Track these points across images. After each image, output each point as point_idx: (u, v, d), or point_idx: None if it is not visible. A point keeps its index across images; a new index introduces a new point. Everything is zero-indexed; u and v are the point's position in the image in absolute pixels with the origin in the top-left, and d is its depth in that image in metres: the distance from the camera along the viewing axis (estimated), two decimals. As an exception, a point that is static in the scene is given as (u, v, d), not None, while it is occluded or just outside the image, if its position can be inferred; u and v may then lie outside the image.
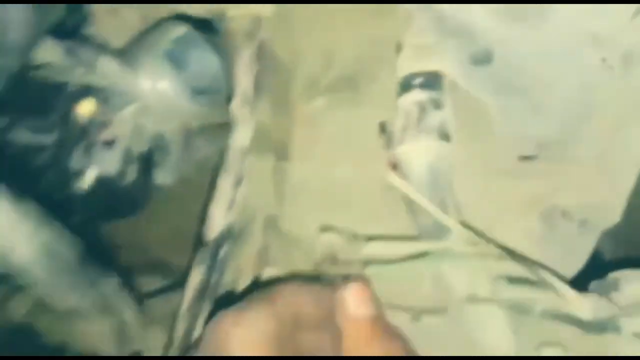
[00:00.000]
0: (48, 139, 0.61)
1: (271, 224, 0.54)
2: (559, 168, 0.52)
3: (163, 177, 0.72)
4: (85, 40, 0.62)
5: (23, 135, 0.60)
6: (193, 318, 0.51)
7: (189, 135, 0.75)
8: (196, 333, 0.49)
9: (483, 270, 0.48)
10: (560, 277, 0.47)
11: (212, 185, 0.58)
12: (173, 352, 0.51)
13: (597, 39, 0.40)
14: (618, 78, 0.43)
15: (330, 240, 0.50)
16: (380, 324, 0.41)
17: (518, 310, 0.47)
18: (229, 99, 0.62)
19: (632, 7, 0.40)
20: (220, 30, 0.67)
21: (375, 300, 0.42)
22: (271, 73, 0.64)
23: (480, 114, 0.49)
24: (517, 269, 0.47)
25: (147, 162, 0.68)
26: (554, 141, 0.52)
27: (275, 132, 0.63)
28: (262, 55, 0.64)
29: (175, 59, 0.66)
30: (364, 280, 0.41)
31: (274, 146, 0.60)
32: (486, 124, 0.50)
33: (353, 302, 0.41)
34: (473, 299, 0.48)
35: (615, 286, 0.48)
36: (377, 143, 0.53)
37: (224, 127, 0.69)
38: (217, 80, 0.69)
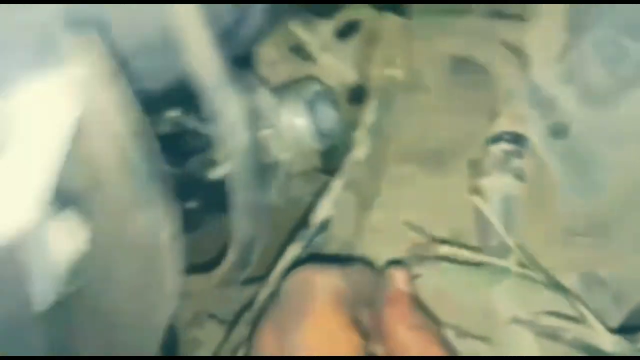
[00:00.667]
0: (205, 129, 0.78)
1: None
2: (603, 242, 0.63)
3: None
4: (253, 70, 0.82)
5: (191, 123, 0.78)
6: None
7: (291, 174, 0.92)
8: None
9: (530, 294, 0.58)
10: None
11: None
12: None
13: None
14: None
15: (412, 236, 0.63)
16: (416, 304, 0.51)
17: (549, 336, 0.56)
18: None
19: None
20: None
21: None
22: (375, 136, 0.81)
23: (549, 181, 0.63)
24: (558, 299, 0.57)
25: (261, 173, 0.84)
26: (603, 220, 0.64)
27: (365, 187, 0.79)
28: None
29: (311, 106, 0.86)
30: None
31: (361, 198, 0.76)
32: (552, 191, 0.64)
33: (400, 279, 0.52)
34: (515, 320, 0.58)
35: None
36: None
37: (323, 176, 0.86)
38: (335, 130, 0.87)
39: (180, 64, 0.48)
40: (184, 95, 0.58)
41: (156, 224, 0.42)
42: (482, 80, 0.74)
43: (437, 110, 0.81)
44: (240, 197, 0.51)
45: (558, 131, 0.59)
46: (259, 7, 0.58)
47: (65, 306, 0.39)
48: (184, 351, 0.90)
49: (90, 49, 0.37)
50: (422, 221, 0.66)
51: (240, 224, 0.53)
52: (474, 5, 0.86)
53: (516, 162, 0.59)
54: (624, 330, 0.60)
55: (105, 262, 0.42)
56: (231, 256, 0.57)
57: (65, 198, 0.37)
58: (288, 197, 0.89)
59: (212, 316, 0.84)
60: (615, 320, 0.63)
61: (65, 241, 0.36)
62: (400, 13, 0.84)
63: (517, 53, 0.62)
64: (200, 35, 0.45)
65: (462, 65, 0.83)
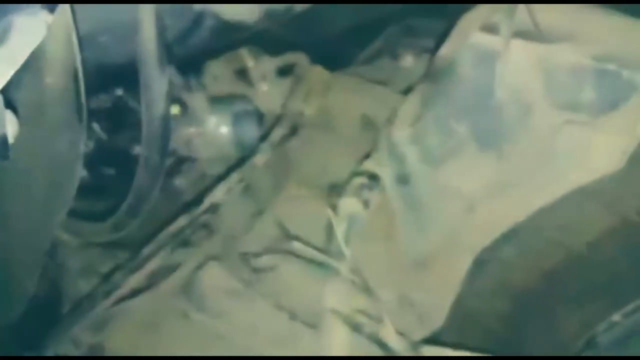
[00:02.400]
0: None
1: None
2: (420, 272, 0.81)
3: (179, 180, 1.02)
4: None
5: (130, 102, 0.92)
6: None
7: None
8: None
9: (350, 295, 0.75)
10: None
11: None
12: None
13: (459, 193, 0.75)
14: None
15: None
16: None
17: (354, 328, 0.72)
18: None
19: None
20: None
21: None
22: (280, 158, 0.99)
23: (391, 214, 0.81)
24: (368, 302, 0.74)
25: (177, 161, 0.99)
26: (423, 256, 0.82)
27: (264, 196, 0.96)
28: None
29: (238, 119, 1.02)
30: None
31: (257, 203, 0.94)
32: (392, 223, 0.82)
33: None
34: (334, 312, 0.74)
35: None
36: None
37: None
38: (251, 145, 1.04)
39: (132, 49, 0.64)
40: (131, 77, 0.73)
41: (72, 147, 0.56)
42: (372, 134, 0.94)
43: (339, 152, 1.00)
44: (147, 156, 0.65)
45: (402, 178, 0.77)
46: (208, 25, 0.75)
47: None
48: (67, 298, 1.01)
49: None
50: (288, 223, 0.83)
51: (140, 179, 0.67)
52: (392, 79, 1.08)
53: (366, 194, 0.77)
54: (425, 342, 0.77)
55: (22, 163, 0.55)
56: (125, 205, 0.71)
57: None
58: (196, 190, 1.04)
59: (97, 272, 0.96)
60: (419, 336, 0.80)
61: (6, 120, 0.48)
62: (328, 67, 1.04)
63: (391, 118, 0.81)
64: (150, 30, 0.60)
65: (367, 123, 1.04)
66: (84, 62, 0.74)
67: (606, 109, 0.65)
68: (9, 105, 0.51)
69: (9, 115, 0.48)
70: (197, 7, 0.70)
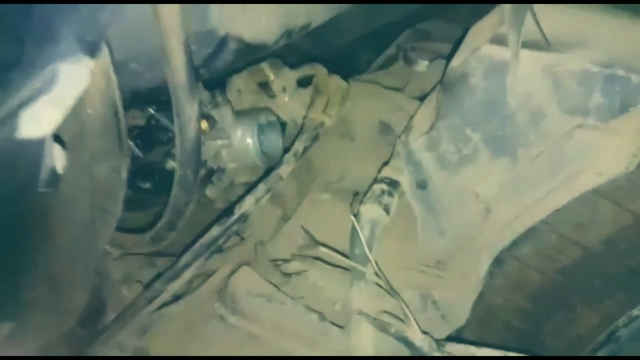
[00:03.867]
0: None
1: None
2: (440, 273, 0.84)
3: (210, 190, 1.07)
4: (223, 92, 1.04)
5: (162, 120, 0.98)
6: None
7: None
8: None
9: (375, 296, 0.79)
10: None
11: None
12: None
13: (477, 196, 0.78)
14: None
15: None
16: None
17: (380, 328, 0.76)
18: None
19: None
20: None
21: None
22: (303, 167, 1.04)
23: (412, 219, 0.85)
24: (393, 304, 0.78)
25: (207, 173, 1.04)
26: (442, 257, 0.85)
27: (289, 202, 1.01)
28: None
29: (262, 131, 1.07)
30: None
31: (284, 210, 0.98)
32: (412, 227, 0.85)
33: None
34: (361, 313, 0.78)
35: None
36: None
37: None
38: (276, 155, 1.09)
39: (163, 73, 0.69)
40: (162, 98, 0.78)
41: (113, 173, 0.61)
42: (390, 140, 0.98)
43: (358, 158, 1.04)
44: (182, 174, 0.71)
45: (421, 184, 0.81)
46: (231, 48, 0.80)
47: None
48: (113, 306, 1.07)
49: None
50: (314, 228, 0.87)
51: (176, 196, 0.73)
52: (407, 84, 1.12)
53: (387, 199, 0.81)
54: (450, 339, 0.81)
55: (67, 190, 0.60)
56: (163, 220, 0.76)
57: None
58: (226, 198, 1.10)
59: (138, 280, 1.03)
60: (442, 334, 0.84)
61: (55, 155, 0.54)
62: (345, 75, 1.08)
63: (407, 125, 0.85)
64: (180, 60, 0.65)
65: (385, 128, 1.07)
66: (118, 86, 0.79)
67: (615, 113, 0.67)
68: (57, 138, 0.56)
69: (57, 149, 0.54)
70: (221, 32, 0.74)
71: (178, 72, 0.64)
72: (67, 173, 0.58)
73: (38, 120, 0.46)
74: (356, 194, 0.89)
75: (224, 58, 0.81)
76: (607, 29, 0.70)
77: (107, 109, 0.59)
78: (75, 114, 0.56)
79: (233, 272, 0.92)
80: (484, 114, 0.72)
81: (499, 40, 0.68)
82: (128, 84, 0.77)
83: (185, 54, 0.66)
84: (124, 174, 0.61)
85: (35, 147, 0.49)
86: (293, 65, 1.14)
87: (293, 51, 1.12)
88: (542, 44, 0.67)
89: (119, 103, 0.60)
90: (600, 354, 0.88)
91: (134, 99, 0.92)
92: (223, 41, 0.75)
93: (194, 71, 0.68)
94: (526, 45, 0.67)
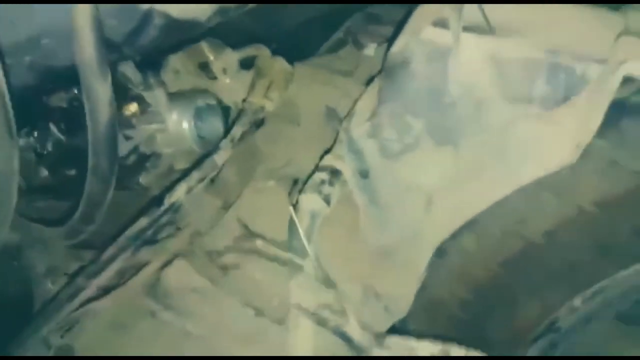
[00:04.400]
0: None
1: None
2: (384, 264, 0.82)
3: (144, 177, 1.01)
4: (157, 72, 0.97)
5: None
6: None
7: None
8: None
9: (314, 290, 0.75)
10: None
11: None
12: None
13: (419, 187, 0.75)
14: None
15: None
16: None
17: (319, 322, 0.73)
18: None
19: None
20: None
21: None
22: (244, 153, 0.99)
23: (354, 209, 0.81)
24: (331, 297, 0.74)
25: (140, 159, 0.97)
26: (385, 248, 0.83)
27: (230, 191, 0.96)
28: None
29: (200, 115, 1.01)
30: None
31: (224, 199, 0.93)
32: (355, 217, 0.82)
33: None
34: (299, 308, 0.74)
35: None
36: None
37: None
38: (216, 139, 1.03)
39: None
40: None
41: (6, 163, 0.54)
42: (336, 127, 0.94)
43: (304, 144, 1.00)
44: (95, 163, 0.64)
45: (363, 173, 0.77)
46: (157, 24, 0.73)
47: None
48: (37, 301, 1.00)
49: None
50: (253, 219, 0.83)
51: (90, 186, 0.66)
52: (356, 69, 1.07)
53: (327, 189, 0.77)
54: (392, 331, 0.79)
55: None
56: (78, 212, 0.70)
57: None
58: (163, 185, 1.03)
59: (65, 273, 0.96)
60: (385, 325, 0.81)
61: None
62: (291, 58, 1.03)
63: (349, 112, 0.81)
64: (88, 36, 0.58)
65: (332, 114, 1.03)
66: (31, 64, 0.72)
67: (559, 102, 0.65)
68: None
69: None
70: (144, 6, 0.68)
71: (86, 49, 0.58)
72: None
73: None
74: (295, 181, 0.85)
75: (149, 35, 0.74)
76: (550, 16, 0.68)
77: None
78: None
79: (166, 264, 0.87)
80: (426, 101, 0.68)
81: (442, 24, 0.65)
82: (41, 62, 0.70)
83: (94, 29, 0.59)
84: (16, 163, 0.55)
85: None
86: (235, 46, 1.08)
87: (235, 31, 1.06)
88: (485, 29, 0.64)
89: (3, 85, 0.53)
90: (540, 343, 0.88)
91: (52, 78, 0.85)
92: (147, 16, 0.69)
93: (109, 49, 0.62)
94: (469, 29, 0.64)
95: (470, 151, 0.69)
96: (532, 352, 0.90)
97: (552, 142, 0.66)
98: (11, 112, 0.53)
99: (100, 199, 0.66)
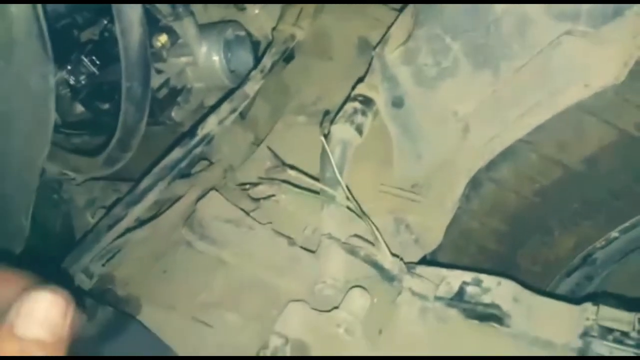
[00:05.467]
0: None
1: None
2: (415, 197, 0.81)
3: (176, 112, 1.01)
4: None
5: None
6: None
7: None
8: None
9: (345, 220, 0.75)
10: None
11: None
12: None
13: (455, 114, 0.73)
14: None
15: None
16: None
17: (349, 251, 0.73)
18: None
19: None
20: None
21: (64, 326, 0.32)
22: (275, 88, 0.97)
23: (387, 140, 0.80)
24: (364, 227, 0.74)
25: (171, 93, 0.97)
26: (418, 181, 0.81)
27: (261, 126, 0.95)
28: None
29: (230, 47, 0.99)
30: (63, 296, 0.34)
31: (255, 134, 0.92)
32: (388, 149, 0.81)
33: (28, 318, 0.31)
34: (329, 237, 0.74)
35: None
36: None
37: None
38: (246, 73, 1.02)
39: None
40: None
41: (43, 81, 0.55)
42: (368, 58, 0.91)
43: (337, 78, 0.97)
44: (129, 87, 0.64)
45: (396, 101, 0.75)
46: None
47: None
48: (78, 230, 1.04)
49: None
50: (285, 151, 0.82)
51: (126, 112, 0.66)
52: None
53: (360, 119, 0.76)
54: (421, 262, 0.78)
55: (4, 101, 0.54)
56: (115, 139, 0.70)
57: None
58: (195, 120, 1.03)
59: (103, 206, 0.98)
60: (415, 257, 0.81)
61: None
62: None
63: (384, 38, 0.78)
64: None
65: (363, 46, 1.00)
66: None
67: (608, 18, 0.61)
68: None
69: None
70: None
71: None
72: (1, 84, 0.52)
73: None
74: (327, 112, 0.83)
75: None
76: None
77: (28, 11, 0.52)
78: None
79: (201, 197, 0.88)
80: (467, 20, 0.65)
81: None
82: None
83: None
84: (52, 81, 0.55)
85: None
86: (264, -25, 1.04)
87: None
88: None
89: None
90: (574, 276, 0.87)
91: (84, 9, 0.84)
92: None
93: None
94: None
95: (511, 74, 0.66)
96: (566, 285, 0.89)
97: (598, 62, 0.62)
98: (46, 31, 0.53)
99: (135, 124, 0.67)
